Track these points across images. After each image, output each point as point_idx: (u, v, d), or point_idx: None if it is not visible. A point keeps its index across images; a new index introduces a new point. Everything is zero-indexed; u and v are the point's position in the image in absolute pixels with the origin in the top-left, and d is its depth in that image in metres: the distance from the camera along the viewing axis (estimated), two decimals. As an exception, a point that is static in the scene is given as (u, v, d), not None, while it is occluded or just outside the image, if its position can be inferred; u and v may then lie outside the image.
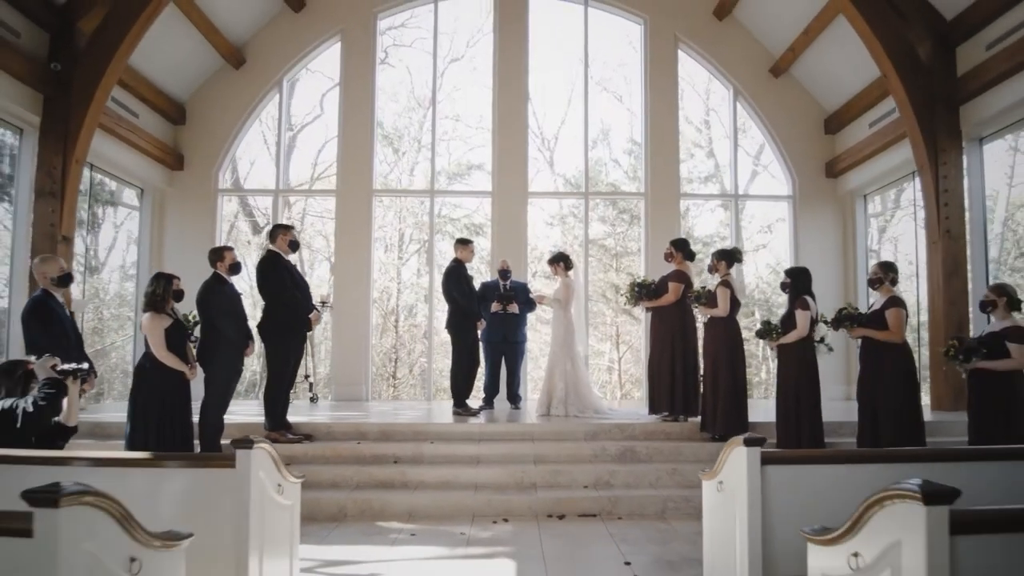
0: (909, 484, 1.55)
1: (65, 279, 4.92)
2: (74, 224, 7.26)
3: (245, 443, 2.55)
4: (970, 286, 7.15)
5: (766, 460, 2.53)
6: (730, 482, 2.67)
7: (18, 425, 3.40)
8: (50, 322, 4.72)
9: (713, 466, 2.93)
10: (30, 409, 3.40)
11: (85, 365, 3.78)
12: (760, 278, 13.13)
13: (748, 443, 2.55)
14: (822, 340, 5.73)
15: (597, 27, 9.98)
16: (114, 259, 9.83)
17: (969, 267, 7.24)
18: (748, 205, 10.58)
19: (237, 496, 2.49)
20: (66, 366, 3.62)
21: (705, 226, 12.89)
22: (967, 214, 7.30)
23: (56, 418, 3.63)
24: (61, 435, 3.79)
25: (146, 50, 7.72)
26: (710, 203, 11.83)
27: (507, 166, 9.37)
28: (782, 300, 6.54)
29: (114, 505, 1.64)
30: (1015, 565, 1.55)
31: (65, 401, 3.62)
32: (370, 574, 3.70)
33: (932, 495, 1.50)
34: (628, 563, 3.89)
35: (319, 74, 10.47)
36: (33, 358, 3.70)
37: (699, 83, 11.21)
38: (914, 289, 8.83)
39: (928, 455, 2.85)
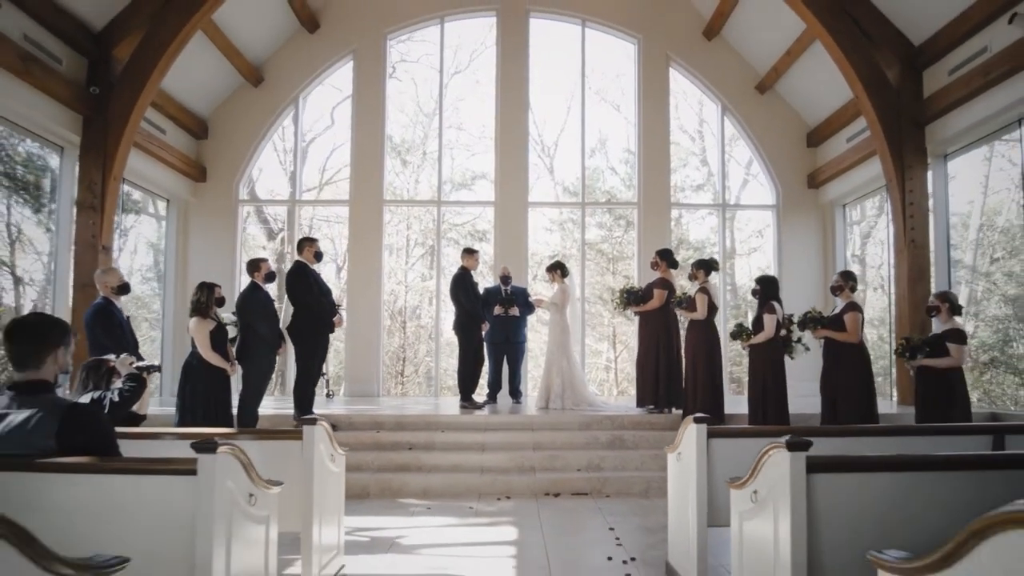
0: (782, 439, 2.31)
1: (124, 288, 5.71)
2: (112, 234, 8.03)
3: (310, 420, 3.33)
4: (933, 291, 7.89)
5: (711, 434, 3.31)
6: (685, 453, 3.45)
7: (106, 412, 4.17)
8: (112, 325, 5.50)
9: (673, 446, 3.71)
10: (116, 399, 4.17)
11: (157, 362, 4.55)
12: (753, 280, 13.89)
13: (697, 421, 3.32)
14: (799, 340, 6.50)
15: (595, 40, 10.74)
16: (127, 263, 10.59)
17: (933, 274, 8.00)
18: (754, 202, 11.32)
19: (304, 463, 3.27)
20: (142, 363, 4.40)
21: (698, 232, 13.68)
22: (931, 225, 8.04)
23: (130, 407, 4.40)
24: (133, 422, 4.58)
25: (173, 71, 8.44)
26: (702, 210, 12.58)
27: (508, 177, 10.13)
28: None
29: (243, 455, 2.41)
30: (858, 495, 2.31)
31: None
32: (395, 536, 4.49)
33: (794, 444, 2.26)
34: (612, 528, 4.67)
35: (330, 86, 11.25)
36: (113, 356, 4.47)
37: (692, 96, 11.97)
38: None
39: (837, 431, 3.63)
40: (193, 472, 2.23)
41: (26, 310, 8.27)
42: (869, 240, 11.04)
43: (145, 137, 8.71)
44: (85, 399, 4.20)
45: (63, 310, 7.90)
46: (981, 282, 9.21)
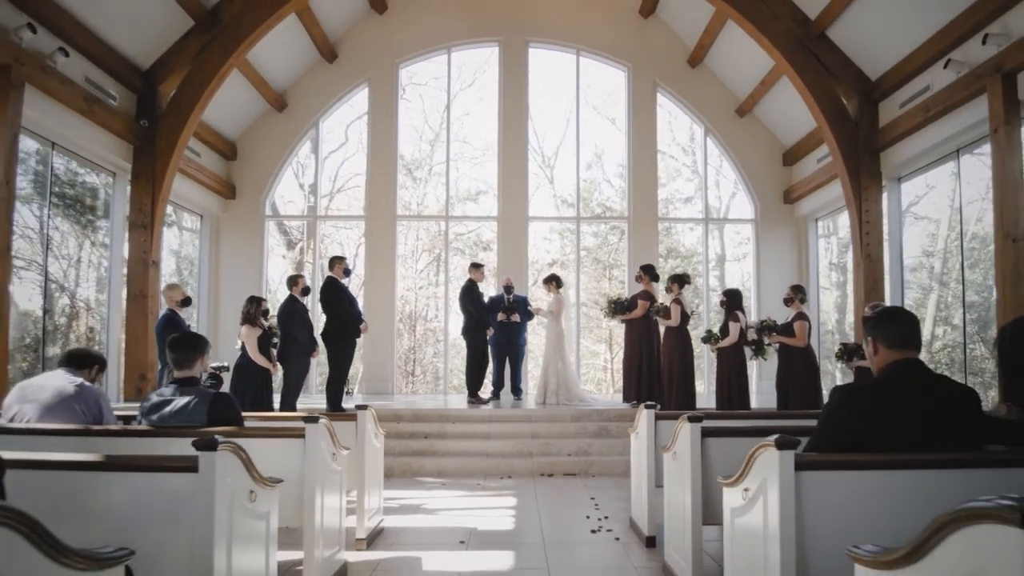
0: (685, 414, 3.56)
1: (187, 301, 7.00)
2: (160, 250, 9.31)
3: (363, 407, 4.59)
4: (887, 300, 9.13)
5: (658, 417, 4.56)
6: (640, 432, 4.70)
7: (191, 404, 5.45)
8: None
9: (633, 427, 4.97)
10: (200, 393, 5.45)
11: (226, 363, 5.83)
12: (741, 285, 15.14)
13: (647, 407, 4.58)
14: (769, 344, 7.75)
15: (589, 66, 11.96)
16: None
17: (887, 284, 9.22)
18: (739, 216, 12.56)
19: (357, 438, 4.53)
20: (216, 364, 5.68)
21: (689, 240, 14.92)
22: (886, 241, 9.26)
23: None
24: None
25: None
26: (690, 221, 13.84)
27: (510, 193, 11.39)
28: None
29: (331, 426, 3.68)
30: (734, 452, 3.54)
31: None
32: (419, 503, 5.77)
33: (692, 418, 3.50)
34: (592, 498, 5.94)
35: (345, 105, 12.49)
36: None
37: (682, 115, 13.19)
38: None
39: (753, 415, 4.88)
40: (302, 436, 3.50)
41: (83, 319, 9.56)
42: (849, 250, 12.27)
43: (184, 161, 9.96)
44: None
45: (117, 317, 9.20)
46: (949, 289, 10.43)
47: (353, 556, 4.30)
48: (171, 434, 3.47)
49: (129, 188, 9.20)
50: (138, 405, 3.91)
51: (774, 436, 2.43)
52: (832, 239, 11.91)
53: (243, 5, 9.12)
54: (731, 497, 2.80)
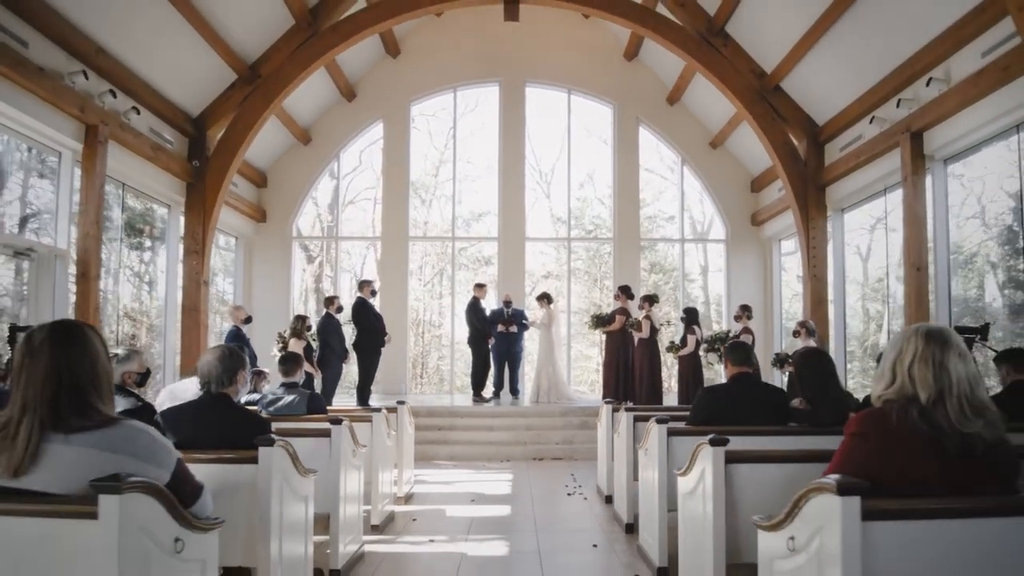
0: (625, 406, 5.55)
1: (248, 319, 9.02)
2: (210, 271, 11.33)
3: (401, 401, 6.62)
4: (831, 313, 11.16)
5: (613, 410, 6.58)
6: (602, 421, 6.73)
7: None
8: (243, 347, 8.80)
9: (598, 417, 7.00)
10: (273, 393, 7.47)
11: (266, 369, 7.83)
12: (720, 295, 17.15)
13: (607, 403, 6.60)
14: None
15: (579, 103, 13.97)
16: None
17: (831, 301, 11.25)
18: (713, 235, 14.56)
19: (398, 426, 6.56)
20: (255, 370, 7.70)
21: (672, 254, 16.93)
22: (830, 263, 11.29)
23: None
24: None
25: (246, 140, 11.71)
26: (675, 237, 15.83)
27: (509, 216, 13.43)
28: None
29: (388, 414, 5.70)
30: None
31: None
32: (436, 478, 7.82)
33: (629, 408, 5.51)
34: (572, 474, 8.00)
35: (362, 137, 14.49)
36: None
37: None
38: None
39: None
40: (369, 421, 5.55)
41: (143, 331, 11.59)
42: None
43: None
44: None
45: (174, 328, 11.22)
46: (896, 302, 12.46)
47: (397, 508, 6.34)
48: (283, 420, 5.50)
49: (183, 219, 11.23)
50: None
51: (655, 417, 4.47)
52: (795, 256, 13.94)
53: (279, 61, 11.13)
54: (640, 455, 4.84)
